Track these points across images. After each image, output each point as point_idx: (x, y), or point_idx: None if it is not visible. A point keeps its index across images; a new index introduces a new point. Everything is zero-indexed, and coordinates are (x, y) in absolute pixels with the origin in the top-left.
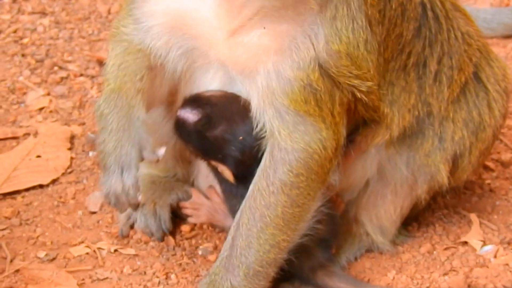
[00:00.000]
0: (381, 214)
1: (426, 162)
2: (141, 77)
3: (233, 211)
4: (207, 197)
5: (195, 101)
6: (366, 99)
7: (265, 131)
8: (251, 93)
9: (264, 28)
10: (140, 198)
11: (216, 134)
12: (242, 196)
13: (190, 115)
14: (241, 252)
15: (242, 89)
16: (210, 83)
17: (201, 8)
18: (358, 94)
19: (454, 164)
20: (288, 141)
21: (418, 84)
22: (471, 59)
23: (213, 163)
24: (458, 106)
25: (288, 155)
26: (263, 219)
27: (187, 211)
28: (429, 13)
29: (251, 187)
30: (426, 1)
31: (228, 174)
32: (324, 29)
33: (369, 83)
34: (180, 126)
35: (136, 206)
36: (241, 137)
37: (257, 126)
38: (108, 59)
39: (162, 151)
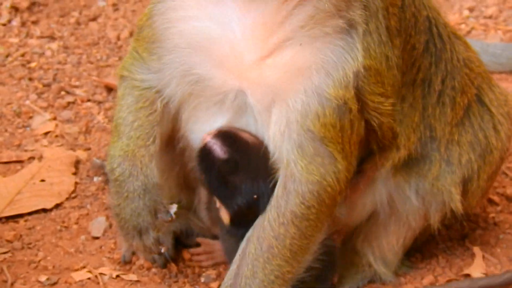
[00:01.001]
0: (383, 245)
1: (437, 187)
2: (153, 139)
3: (227, 249)
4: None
5: (229, 137)
6: (383, 122)
7: (279, 162)
8: (274, 121)
9: (301, 44)
10: (163, 249)
11: (234, 181)
12: (237, 236)
13: (219, 151)
14: (246, 281)
15: (257, 119)
16: (216, 116)
17: (227, 32)
18: (376, 121)
19: (464, 188)
20: (304, 173)
21: (423, 103)
22: (473, 82)
23: (218, 202)
24: (463, 129)
25: (301, 187)
26: (270, 249)
27: (201, 259)
28: (434, 29)
29: (260, 216)
30: (431, 16)
31: (225, 216)
32: (358, 44)
33: (391, 100)
34: (205, 155)
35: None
36: (255, 196)
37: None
38: (118, 106)
39: (174, 208)
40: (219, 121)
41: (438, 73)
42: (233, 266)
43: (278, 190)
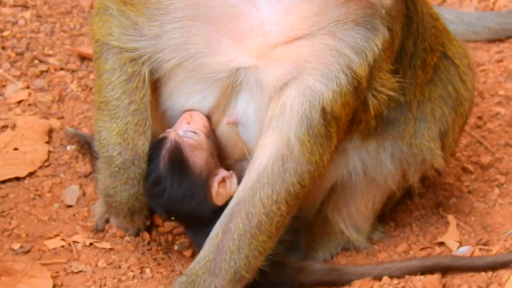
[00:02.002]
0: (353, 212)
1: (416, 146)
2: (149, 123)
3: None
4: None
5: (179, 152)
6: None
7: (274, 141)
8: (275, 103)
9: (330, 31)
10: (148, 223)
11: (159, 194)
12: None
13: (161, 163)
14: (231, 256)
15: (254, 96)
16: (205, 92)
17: (252, 11)
18: (374, 100)
19: (442, 142)
20: (307, 153)
21: (395, 68)
22: (439, 40)
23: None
24: (433, 84)
25: (301, 167)
26: (259, 226)
27: None
28: None
29: (247, 192)
30: None
31: (234, 186)
32: (380, 25)
33: (389, 83)
34: (158, 145)
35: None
36: (173, 218)
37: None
38: (106, 80)
39: None
40: (207, 100)
41: (409, 36)
42: (215, 240)
43: (273, 168)
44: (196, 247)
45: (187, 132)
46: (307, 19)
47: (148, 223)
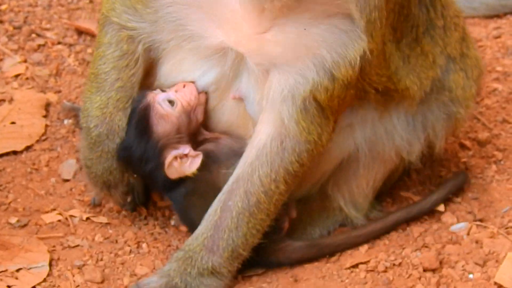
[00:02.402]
0: (353, 189)
1: (457, 98)
2: (132, 101)
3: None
4: None
5: (146, 113)
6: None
7: (271, 121)
8: (273, 84)
9: (305, 29)
10: (129, 199)
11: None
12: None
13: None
14: (229, 234)
15: (253, 75)
16: (204, 70)
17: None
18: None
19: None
20: (304, 133)
21: (432, 44)
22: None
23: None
24: (466, 45)
25: (299, 146)
26: (258, 204)
27: None
28: None
29: (247, 169)
30: None
31: (197, 161)
32: (361, 29)
33: (388, 73)
34: (140, 101)
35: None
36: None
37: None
38: (101, 52)
39: None
40: (207, 76)
41: (436, 12)
42: (213, 217)
43: (271, 147)
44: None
45: (165, 100)
46: (282, 14)
47: (128, 199)
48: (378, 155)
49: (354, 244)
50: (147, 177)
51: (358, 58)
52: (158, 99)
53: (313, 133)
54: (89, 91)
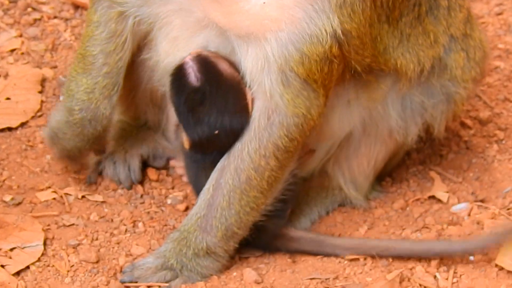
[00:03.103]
0: (354, 168)
1: (456, 78)
2: (117, 87)
3: (190, 176)
4: None
5: (205, 63)
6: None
7: (258, 94)
8: (252, 56)
9: (264, 2)
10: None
11: (199, 111)
12: (200, 163)
13: (193, 76)
14: (222, 212)
15: (237, 50)
16: (197, 42)
17: None
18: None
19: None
20: (290, 106)
21: (435, 23)
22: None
23: (180, 124)
24: (470, 26)
25: (287, 119)
26: (249, 181)
27: (179, 170)
28: None
29: (237, 146)
30: None
31: (185, 140)
32: (331, 9)
33: (371, 52)
34: (179, 76)
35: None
36: (216, 132)
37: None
38: (90, 32)
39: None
40: (199, 47)
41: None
42: (206, 196)
43: (259, 121)
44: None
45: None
46: None
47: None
48: (379, 136)
49: (363, 253)
50: (229, 125)
51: (328, 37)
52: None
53: (300, 107)
54: (76, 70)
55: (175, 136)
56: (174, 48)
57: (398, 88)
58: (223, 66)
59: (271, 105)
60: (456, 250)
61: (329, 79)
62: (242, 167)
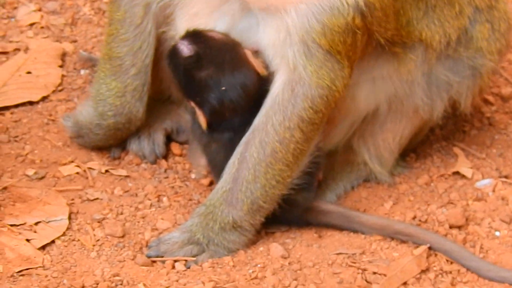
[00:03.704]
0: (379, 143)
1: (481, 50)
2: (148, 86)
3: (211, 162)
4: None
5: (194, 36)
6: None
7: (281, 66)
8: (274, 28)
9: None
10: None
11: (201, 76)
12: (221, 141)
13: (185, 49)
14: (247, 186)
15: (260, 22)
16: (217, 20)
17: None
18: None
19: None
20: (314, 78)
21: None
22: None
23: (192, 104)
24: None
25: (311, 91)
26: (274, 154)
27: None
28: None
29: (262, 119)
30: None
31: (202, 120)
32: None
33: (390, 27)
34: (172, 55)
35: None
36: (223, 87)
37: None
38: (114, 30)
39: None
40: (220, 25)
41: None
42: (231, 170)
43: (283, 94)
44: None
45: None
46: None
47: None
48: (404, 112)
49: (388, 235)
50: (248, 91)
51: (350, 9)
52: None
53: (324, 78)
54: (103, 72)
55: (190, 126)
56: (195, 23)
57: (425, 60)
58: (214, 33)
59: (295, 77)
60: (473, 267)
61: (353, 50)
62: (267, 140)
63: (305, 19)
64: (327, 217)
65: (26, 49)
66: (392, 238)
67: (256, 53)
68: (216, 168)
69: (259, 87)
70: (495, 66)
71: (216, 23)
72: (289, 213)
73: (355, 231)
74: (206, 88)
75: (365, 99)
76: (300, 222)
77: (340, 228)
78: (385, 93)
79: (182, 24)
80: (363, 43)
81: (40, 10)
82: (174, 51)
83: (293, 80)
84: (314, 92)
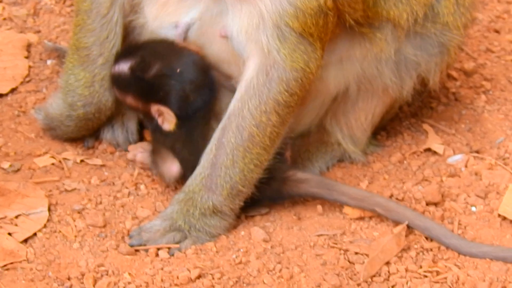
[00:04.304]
0: (351, 123)
1: (447, 25)
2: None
3: (183, 159)
4: None
5: (125, 52)
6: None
7: (254, 52)
8: (246, 14)
9: None
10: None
11: (154, 73)
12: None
13: (124, 65)
14: (226, 171)
15: (230, 9)
16: (189, 8)
17: None
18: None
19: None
20: (288, 61)
21: None
22: None
23: (156, 108)
24: None
25: (286, 74)
26: (251, 138)
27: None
28: None
29: (237, 104)
30: None
31: (170, 118)
32: None
33: (359, 8)
34: (117, 79)
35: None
36: (178, 69)
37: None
38: (81, 21)
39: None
40: (192, 13)
41: None
42: (209, 156)
43: (258, 78)
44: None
45: None
46: None
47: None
48: (375, 91)
49: (366, 208)
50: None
51: None
52: None
53: (298, 61)
54: (71, 62)
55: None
56: (163, 12)
57: (393, 39)
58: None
59: (269, 62)
60: (453, 245)
61: (325, 32)
62: (243, 125)
63: (278, 2)
64: (306, 185)
65: None
66: (371, 217)
67: (226, 38)
68: (190, 163)
69: (205, 65)
70: (461, 40)
71: (187, 11)
72: (267, 189)
73: (334, 201)
74: (163, 80)
75: (333, 79)
76: (279, 196)
77: (320, 198)
78: (353, 74)
79: (151, 12)
80: (334, 24)
81: (1, 1)
82: (116, 76)
83: (267, 64)
84: (288, 75)
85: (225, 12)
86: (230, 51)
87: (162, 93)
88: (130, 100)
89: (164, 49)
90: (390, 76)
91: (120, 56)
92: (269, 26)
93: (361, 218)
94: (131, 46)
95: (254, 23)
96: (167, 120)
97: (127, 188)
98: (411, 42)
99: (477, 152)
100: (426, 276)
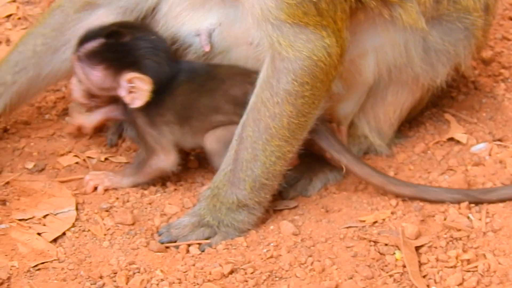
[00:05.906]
0: (379, 117)
1: (468, 8)
2: None
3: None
4: None
5: (90, 33)
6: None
7: (264, 43)
8: (245, 11)
9: None
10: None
11: (129, 38)
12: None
13: (94, 41)
14: (247, 165)
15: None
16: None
17: None
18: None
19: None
20: (290, 51)
21: None
22: None
23: (128, 77)
24: None
25: (291, 64)
26: (268, 130)
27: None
28: None
29: (253, 99)
30: None
31: (144, 87)
32: None
33: None
34: (87, 54)
35: None
36: (153, 36)
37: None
38: None
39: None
40: (211, 19)
41: None
42: (231, 151)
43: (266, 70)
44: None
45: None
46: None
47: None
48: (405, 83)
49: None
50: None
51: None
52: None
53: (301, 50)
54: None
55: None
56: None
57: (415, 28)
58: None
59: (275, 54)
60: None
61: (328, 19)
62: (259, 118)
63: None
64: (344, 157)
65: (8, 41)
66: (398, 209)
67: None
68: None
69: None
70: (484, 22)
71: (205, 18)
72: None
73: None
74: (138, 43)
75: (370, 69)
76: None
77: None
78: (385, 63)
79: (170, 25)
80: (346, 10)
81: (14, 1)
82: (86, 52)
83: (273, 57)
84: (294, 65)
85: (238, 16)
86: (253, 53)
87: (138, 56)
88: (97, 77)
89: (134, 23)
90: (420, 64)
91: (84, 39)
92: (260, 21)
93: (388, 208)
94: (93, 29)
95: (255, 20)
96: (139, 93)
97: (154, 185)
98: (435, 28)
99: (500, 140)
100: (456, 266)
